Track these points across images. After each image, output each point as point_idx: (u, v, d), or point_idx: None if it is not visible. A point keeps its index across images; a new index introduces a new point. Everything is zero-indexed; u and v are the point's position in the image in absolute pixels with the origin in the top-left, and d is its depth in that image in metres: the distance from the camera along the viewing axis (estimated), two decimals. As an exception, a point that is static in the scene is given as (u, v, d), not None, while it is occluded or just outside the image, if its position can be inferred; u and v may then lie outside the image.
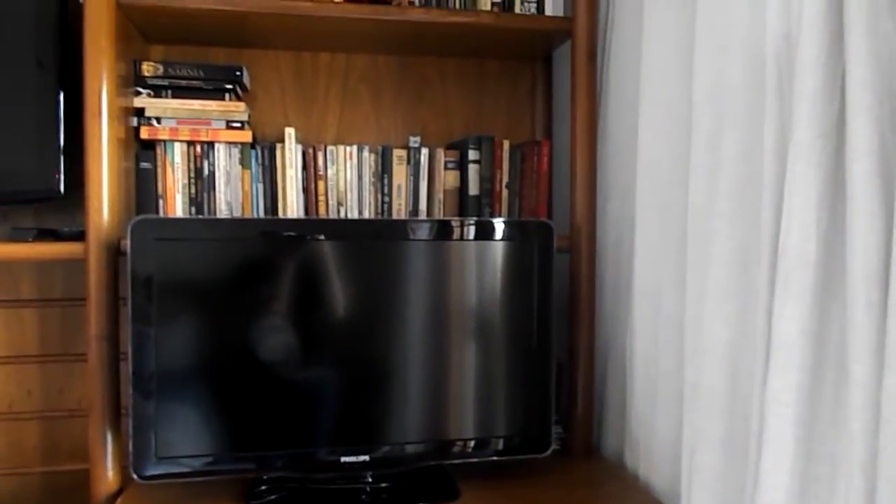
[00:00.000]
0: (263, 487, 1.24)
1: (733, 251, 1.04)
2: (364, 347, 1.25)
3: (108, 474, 1.27)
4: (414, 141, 1.54)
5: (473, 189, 1.50)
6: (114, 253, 1.25)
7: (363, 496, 1.23)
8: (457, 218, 1.49)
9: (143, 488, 1.25)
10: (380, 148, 1.49)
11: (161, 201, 1.39)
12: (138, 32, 1.43)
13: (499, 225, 1.28)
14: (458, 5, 1.46)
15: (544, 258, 1.28)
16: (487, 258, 1.27)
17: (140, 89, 1.40)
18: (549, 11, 1.48)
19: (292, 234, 1.22)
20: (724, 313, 1.04)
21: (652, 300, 1.26)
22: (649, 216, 1.27)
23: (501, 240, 1.28)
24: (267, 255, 1.21)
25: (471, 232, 1.27)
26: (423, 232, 1.25)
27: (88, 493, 1.26)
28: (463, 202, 1.51)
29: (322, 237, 1.21)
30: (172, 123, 1.39)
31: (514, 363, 1.29)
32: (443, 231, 1.26)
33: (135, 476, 1.16)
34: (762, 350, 0.94)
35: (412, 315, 1.25)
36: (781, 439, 0.89)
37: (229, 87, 1.43)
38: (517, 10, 1.49)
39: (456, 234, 1.26)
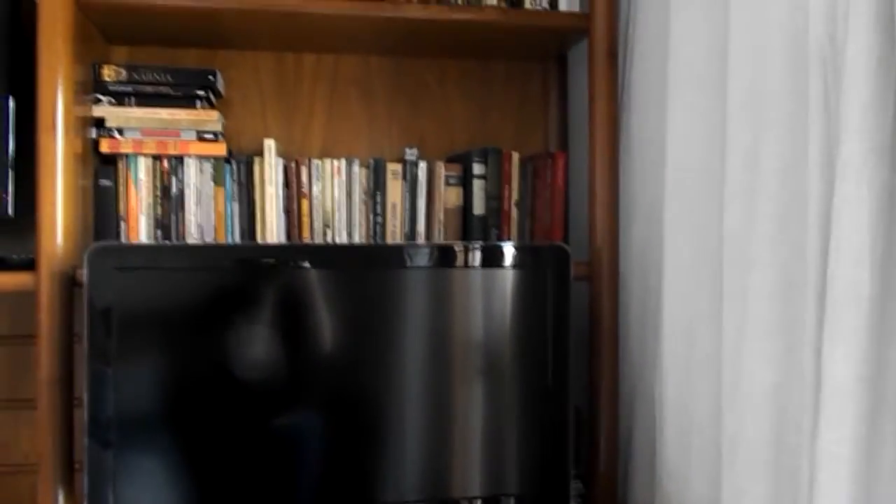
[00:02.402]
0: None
1: (775, 281, 1.04)
2: (354, 391, 1.24)
3: (60, 537, 1.26)
4: (410, 154, 1.55)
5: (479, 208, 1.51)
6: (68, 284, 1.25)
7: (354, 564, 1.22)
8: (459, 242, 1.50)
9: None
10: (372, 161, 1.50)
11: (123, 224, 1.40)
12: (99, 32, 1.44)
13: (508, 250, 1.29)
14: (459, 2, 1.48)
15: (560, 288, 1.29)
16: (495, 288, 1.28)
17: (100, 96, 1.41)
18: (563, 6, 1.49)
19: (271, 261, 1.22)
20: (766, 353, 1.04)
21: (684, 337, 1.26)
22: (679, 240, 1.27)
23: (511, 267, 1.28)
24: (242, 286, 1.21)
25: (476, 258, 1.27)
26: (422, 258, 1.25)
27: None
28: (467, 223, 1.52)
29: (306, 265, 1.22)
30: (136, 135, 1.40)
31: (527, 409, 1.28)
32: (444, 257, 1.26)
33: (90, 542, 1.15)
34: (811, 397, 0.93)
35: (410, 354, 1.25)
36: (835, 499, 0.88)
37: (201, 93, 1.45)
38: (527, 5, 1.50)
39: (459, 261, 1.27)
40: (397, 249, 1.28)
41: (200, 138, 1.42)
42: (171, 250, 1.26)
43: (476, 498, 1.28)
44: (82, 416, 1.17)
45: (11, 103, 1.30)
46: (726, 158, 1.12)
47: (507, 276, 1.28)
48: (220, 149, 1.43)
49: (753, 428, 1.05)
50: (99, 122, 1.41)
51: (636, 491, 1.44)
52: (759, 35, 1.07)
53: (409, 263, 1.25)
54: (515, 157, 1.54)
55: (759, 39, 1.07)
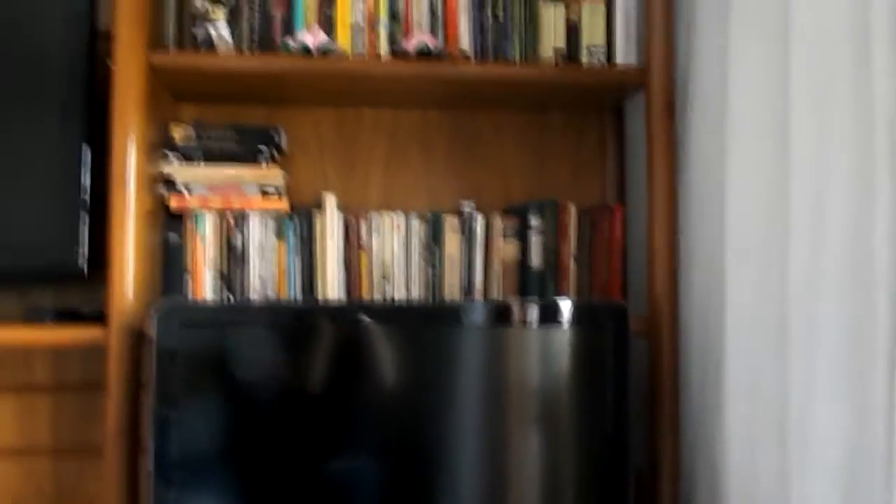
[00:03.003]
0: None
1: (844, 341, 1.01)
2: (412, 445, 1.25)
3: (123, 586, 1.29)
4: (468, 207, 1.56)
5: (536, 261, 1.51)
6: (137, 338, 1.30)
7: None
8: (516, 299, 1.49)
9: None
10: (430, 215, 1.52)
11: (188, 277, 1.44)
12: (168, 92, 1.51)
13: (565, 307, 1.28)
14: (517, 55, 1.50)
15: (619, 347, 1.27)
16: (553, 346, 1.27)
17: (169, 154, 1.47)
18: (619, 58, 1.50)
19: (331, 319, 1.24)
20: (836, 421, 1.01)
21: (748, 398, 1.23)
22: (741, 296, 1.25)
23: (568, 325, 1.28)
24: (303, 341, 1.23)
25: (533, 316, 1.27)
26: (479, 317, 1.26)
27: None
28: (524, 277, 1.52)
29: (364, 323, 1.24)
30: (203, 192, 1.45)
31: (585, 470, 1.27)
32: (501, 315, 1.27)
33: None
34: (884, 466, 0.90)
35: (467, 411, 1.25)
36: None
37: (264, 150, 1.49)
38: (583, 59, 1.52)
39: (516, 319, 1.27)
40: (455, 308, 1.29)
41: (263, 194, 1.47)
42: (234, 309, 1.30)
43: (534, 559, 1.26)
44: (146, 464, 1.20)
45: (88, 155, 1.35)
46: (790, 215, 1.11)
47: (564, 334, 1.28)
48: (283, 204, 1.47)
49: (822, 499, 1.02)
50: (168, 180, 1.46)
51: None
52: (822, 88, 1.06)
53: (466, 321, 1.26)
54: (573, 209, 1.54)
55: (822, 92, 1.06)
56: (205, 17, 1.41)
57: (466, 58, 1.47)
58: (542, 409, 1.27)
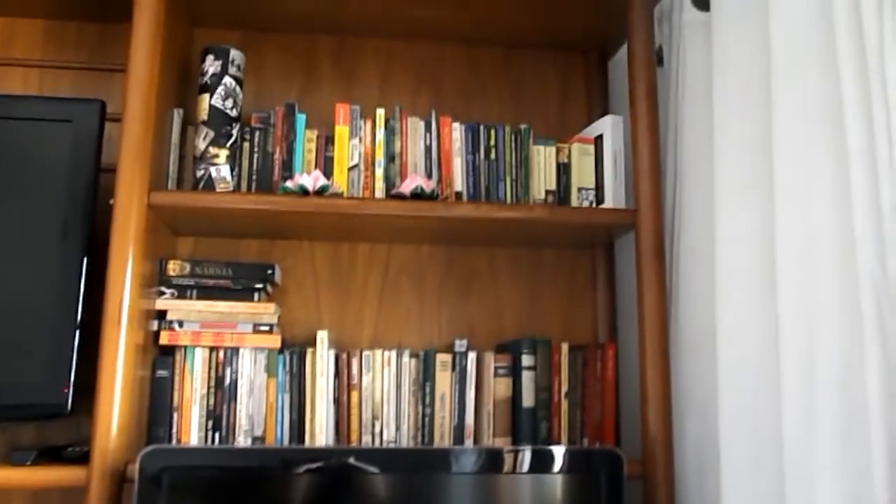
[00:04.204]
0: None
1: (841, 490, 1.00)
2: None
3: None
4: (460, 345, 1.57)
5: (528, 400, 1.50)
6: (119, 480, 1.26)
7: None
8: (508, 447, 1.46)
9: None
10: (421, 353, 1.51)
11: (175, 414, 1.42)
12: (167, 227, 1.54)
13: (558, 455, 1.26)
14: (508, 197, 1.55)
15: (613, 495, 1.24)
16: (545, 493, 1.24)
17: (164, 289, 1.48)
18: (608, 199, 1.55)
19: (320, 464, 1.22)
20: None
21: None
22: (736, 441, 1.23)
23: (561, 472, 1.25)
24: (292, 487, 1.20)
25: (525, 463, 1.25)
26: (469, 463, 1.24)
27: None
28: (516, 415, 1.50)
29: (353, 469, 1.21)
30: (195, 327, 1.45)
31: None
32: (492, 462, 1.25)
33: None
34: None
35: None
36: None
37: (259, 286, 1.51)
38: (573, 201, 1.57)
39: (507, 467, 1.25)
40: (445, 454, 1.27)
41: (256, 330, 1.47)
42: (219, 453, 1.27)
43: None
44: None
45: (83, 289, 1.36)
46: (780, 364, 1.11)
47: (557, 482, 1.25)
48: (275, 341, 1.47)
49: None
50: (160, 315, 1.46)
51: None
52: (808, 238, 1.09)
53: (456, 468, 1.23)
54: (565, 348, 1.54)
55: (808, 243, 1.09)
56: (207, 159, 1.46)
57: (459, 197, 1.51)
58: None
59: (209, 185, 1.45)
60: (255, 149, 1.52)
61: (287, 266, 1.64)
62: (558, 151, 1.60)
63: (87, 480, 1.25)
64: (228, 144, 1.48)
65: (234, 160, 1.49)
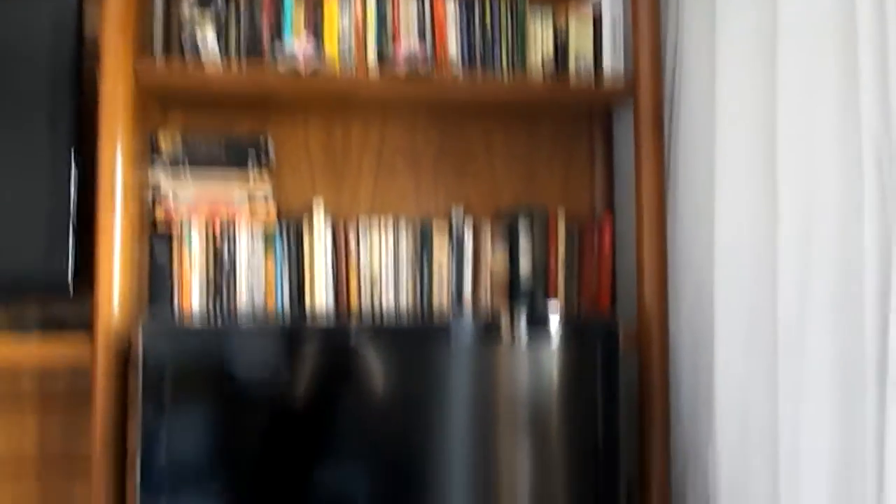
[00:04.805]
0: None
1: (834, 354, 1.02)
2: (399, 463, 1.25)
3: None
4: (456, 214, 1.56)
5: (525, 269, 1.51)
6: (123, 357, 1.28)
7: None
8: (506, 317, 1.48)
9: None
10: (418, 222, 1.51)
11: (176, 291, 1.42)
12: (156, 100, 1.49)
13: (555, 325, 1.28)
14: (505, 64, 1.50)
15: (609, 364, 1.28)
16: (543, 364, 1.27)
17: (156, 164, 1.45)
18: (607, 66, 1.50)
19: (319, 336, 1.24)
20: (825, 427, 1.02)
21: (738, 418, 1.23)
22: (731, 309, 1.25)
23: (559, 342, 1.28)
24: (291, 357, 1.23)
25: (523, 334, 1.27)
26: (468, 336, 1.26)
27: None
28: (513, 285, 1.51)
29: (353, 340, 1.24)
30: (190, 201, 1.44)
31: (577, 484, 1.27)
32: (491, 334, 1.27)
33: None
34: (873, 476, 0.91)
35: (456, 428, 1.25)
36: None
37: (252, 159, 1.48)
38: (571, 66, 1.52)
39: (506, 338, 1.27)
40: (444, 326, 1.29)
41: (251, 202, 1.46)
42: (221, 323, 1.29)
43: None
44: (134, 477, 1.19)
45: (75, 166, 1.33)
46: (779, 225, 1.11)
47: (554, 352, 1.28)
48: (271, 212, 1.46)
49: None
50: (154, 189, 1.45)
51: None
52: (809, 95, 1.07)
53: (454, 342, 1.26)
54: (561, 218, 1.54)
55: (809, 99, 1.07)
56: (192, 24, 1.40)
57: (455, 75, 1.46)
58: (533, 423, 1.27)
59: (195, 51, 1.40)
60: (243, 14, 1.46)
61: (280, 142, 1.59)
62: (555, 17, 1.54)
63: (91, 353, 1.27)
64: (214, 8, 1.42)
65: (220, 25, 1.43)
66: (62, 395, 1.52)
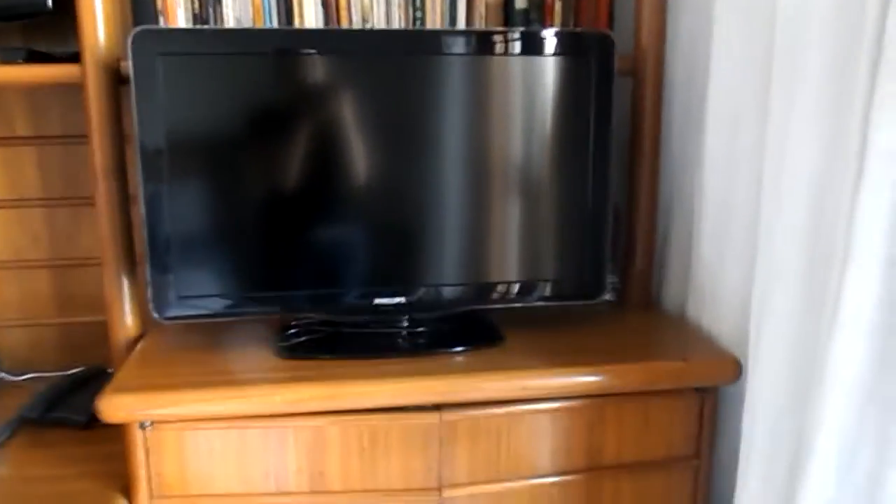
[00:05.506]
0: (293, 331, 1.32)
1: (828, 63, 1.01)
2: (396, 181, 1.27)
3: (127, 320, 1.36)
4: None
5: (520, 1, 1.46)
6: (114, 76, 1.27)
7: (399, 340, 1.30)
8: (500, 28, 1.45)
9: (164, 331, 1.35)
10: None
11: (161, 18, 1.38)
12: None
13: (549, 37, 1.25)
14: None
15: (603, 78, 1.26)
16: (536, 77, 1.26)
17: None
18: None
19: (311, 49, 1.21)
20: (812, 136, 1.02)
21: (728, 128, 1.25)
22: (729, 29, 1.23)
23: (553, 55, 1.25)
24: (282, 72, 1.21)
25: (516, 45, 1.25)
26: (460, 46, 1.23)
27: (108, 342, 1.37)
28: (508, 17, 1.47)
29: (344, 50, 1.21)
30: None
31: (565, 201, 1.31)
32: (483, 44, 1.24)
33: (156, 316, 1.23)
34: (852, 185, 0.93)
35: (449, 145, 1.26)
36: (867, 270, 0.90)
37: None
38: None
39: (499, 49, 1.24)
40: (435, 36, 1.26)
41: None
42: (212, 35, 1.25)
43: (514, 282, 1.33)
44: (139, 212, 1.21)
45: None
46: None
47: (548, 65, 1.26)
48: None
49: (792, 213, 1.06)
50: None
51: (671, 283, 1.49)
52: None
53: (446, 50, 1.23)
54: (559, -60, 1.46)
55: None
56: None
57: None
58: (525, 140, 1.28)
59: None
60: None
61: None
62: None
63: (82, 76, 1.25)
64: None
65: None
66: (57, 133, 1.53)
